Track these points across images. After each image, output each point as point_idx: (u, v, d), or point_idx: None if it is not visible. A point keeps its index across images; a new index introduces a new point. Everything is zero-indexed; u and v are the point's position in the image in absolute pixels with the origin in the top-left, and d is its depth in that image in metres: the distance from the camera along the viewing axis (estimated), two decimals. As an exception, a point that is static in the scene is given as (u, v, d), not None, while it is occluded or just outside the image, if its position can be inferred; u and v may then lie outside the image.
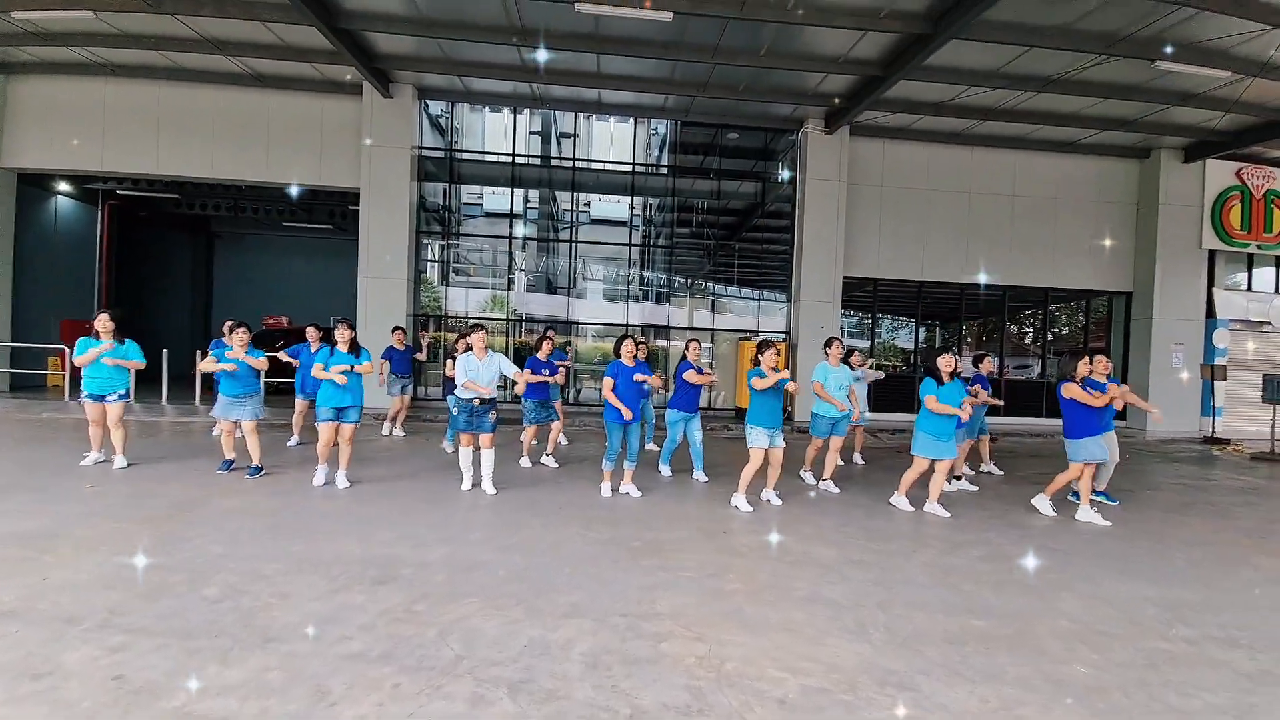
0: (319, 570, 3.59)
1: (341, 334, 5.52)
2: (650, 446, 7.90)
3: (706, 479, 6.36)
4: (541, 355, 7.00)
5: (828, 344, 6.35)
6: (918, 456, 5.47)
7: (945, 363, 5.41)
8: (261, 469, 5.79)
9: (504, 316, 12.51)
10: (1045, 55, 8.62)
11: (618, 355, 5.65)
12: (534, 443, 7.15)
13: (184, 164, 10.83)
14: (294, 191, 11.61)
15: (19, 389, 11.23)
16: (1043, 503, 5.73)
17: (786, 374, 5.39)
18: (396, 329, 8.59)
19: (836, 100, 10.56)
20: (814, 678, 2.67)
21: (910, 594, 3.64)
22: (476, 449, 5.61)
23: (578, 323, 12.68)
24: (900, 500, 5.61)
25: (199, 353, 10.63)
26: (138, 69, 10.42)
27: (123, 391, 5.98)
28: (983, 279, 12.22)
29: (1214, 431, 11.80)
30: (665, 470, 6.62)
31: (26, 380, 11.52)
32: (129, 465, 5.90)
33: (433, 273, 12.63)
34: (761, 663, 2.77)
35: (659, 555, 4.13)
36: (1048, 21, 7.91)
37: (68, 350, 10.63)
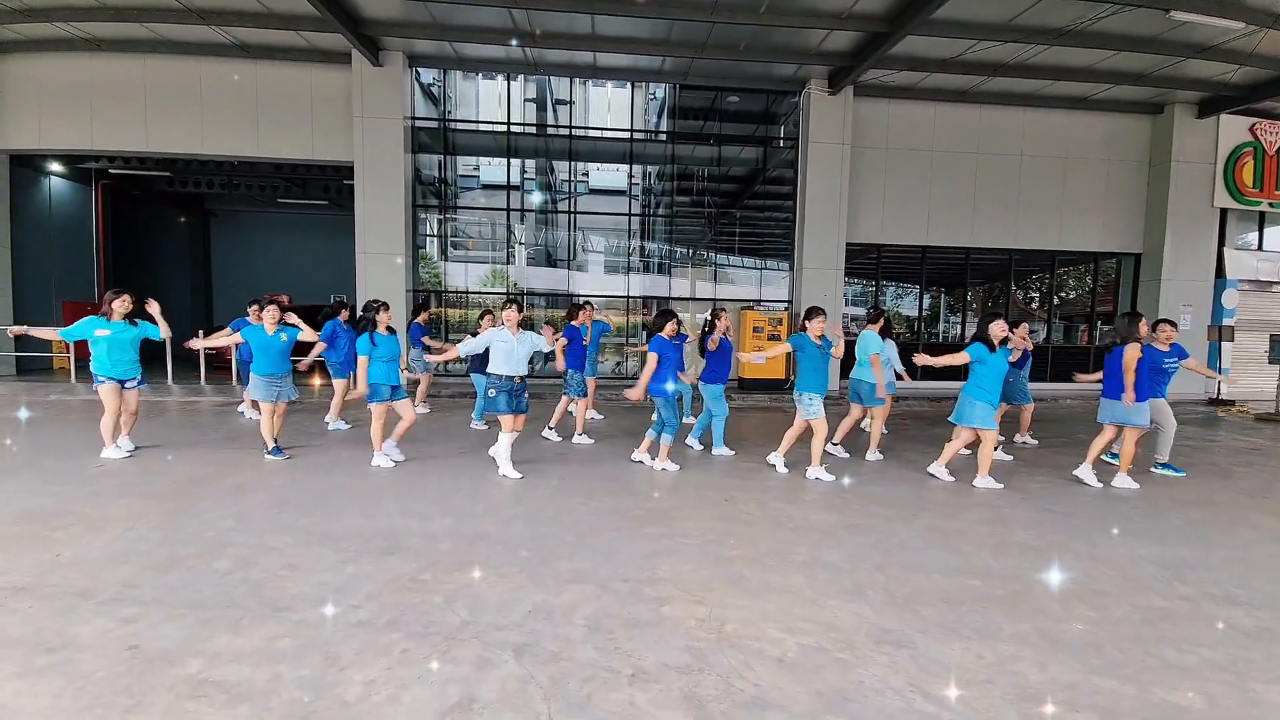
0: (327, 543, 3.65)
1: (382, 318, 5.45)
2: (688, 420, 7.68)
3: (700, 448, 6.45)
4: (578, 323, 6.91)
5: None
6: (972, 427, 5.25)
7: (999, 329, 5.18)
8: (284, 450, 5.70)
9: (505, 291, 12.44)
10: (1057, 5, 8.29)
11: (660, 331, 5.63)
12: (568, 413, 7.11)
13: (173, 140, 10.66)
14: (287, 166, 11.43)
15: (25, 372, 11.31)
16: (1123, 479, 5.42)
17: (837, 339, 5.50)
18: (422, 307, 8.71)
19: (841, 58, 10.23)
20: (812, 637, 2.72)
21: (909, 557, 3.68)
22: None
23: (579, 295, 12.59)
24: (940, 470, 5.49)
25: (199, 332, 10.65)
26: (121, 42, 10.16)
27: (140, 377, 5.83)
28: (989, 243, 12.04)
29: (1219, 393, 11.75)
30: (693, 441, 6.58)
31: (32, 364, 11.59)
32: (135, 449, 5.77)
33: (431, 247, 12.52)
34: (761, 624, 2.82)
35: (662, 523, 4.18)
36: (1060, -31, 7.58)
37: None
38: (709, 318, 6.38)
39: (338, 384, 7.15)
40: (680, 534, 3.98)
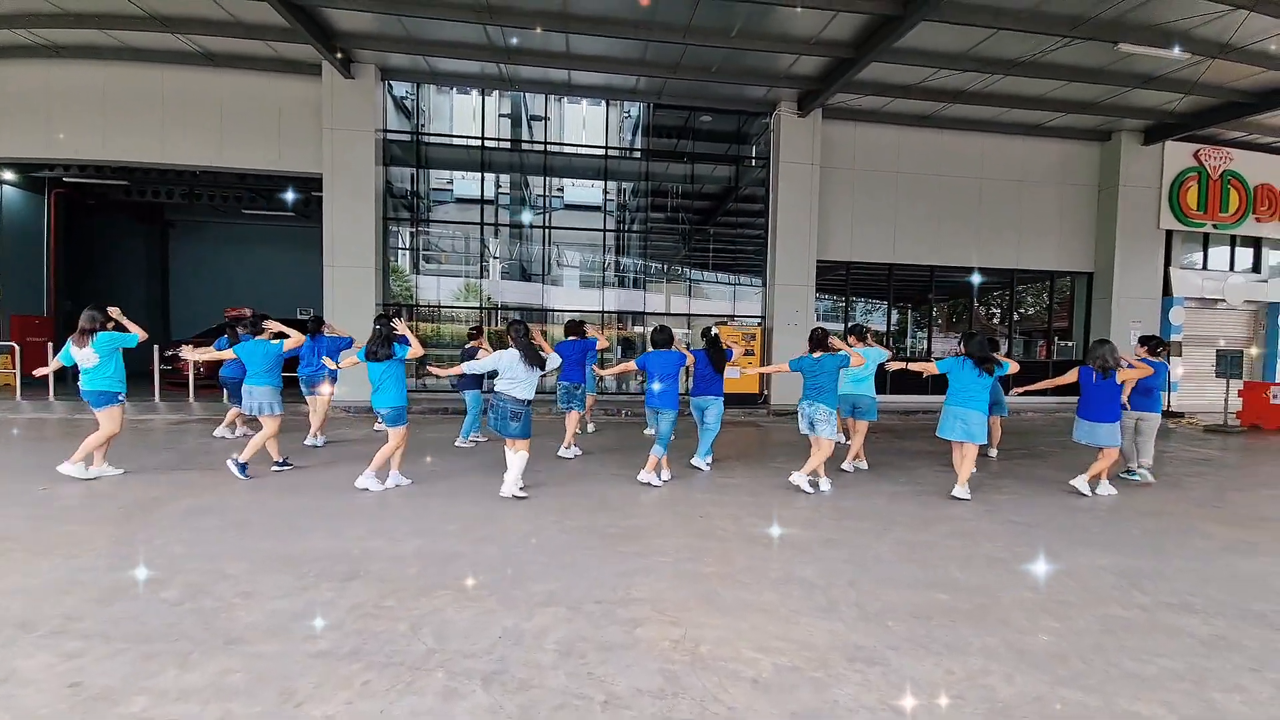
0: (287, 567, 3.51)
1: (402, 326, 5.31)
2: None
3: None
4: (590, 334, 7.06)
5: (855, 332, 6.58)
6: (974, 443, 5.39)
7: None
8: (247, 467, 5.48)
9: (478, 305, 12.32)
10: (1012, 38, 8.72)
11: (655, 346, 5.77)
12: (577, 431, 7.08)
13: (133, 149, 10.33)
14: (252, 176, 11.17)
15: (-36, 388, 10.70)
16: (1103, 485, 5.68)
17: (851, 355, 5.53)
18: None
19: (809, 81, 10.53)
20: (786, 656, 2.71)
21: (880, 571, 3.72)
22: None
23: (553, 310, 12.54)
24: (964, 490, 5.39)
25: (156, 347, 10.23)
26: (82, 49, 9.85)
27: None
28: (952, 261, 12.44)
29: (1169, 406, 12.29)
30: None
31: (-28, 379, 10.98)
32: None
33: (403, 261, 12.34)
34: (736, 644, 2.80)
35: (637, 541, 4.14)
36: (1015, 4, 7.98)
37: (18, 348, 10.15)
38: (709, 332, 6.55)
39: (312, 400, 6.95)
40: (655, 552, 3.94)
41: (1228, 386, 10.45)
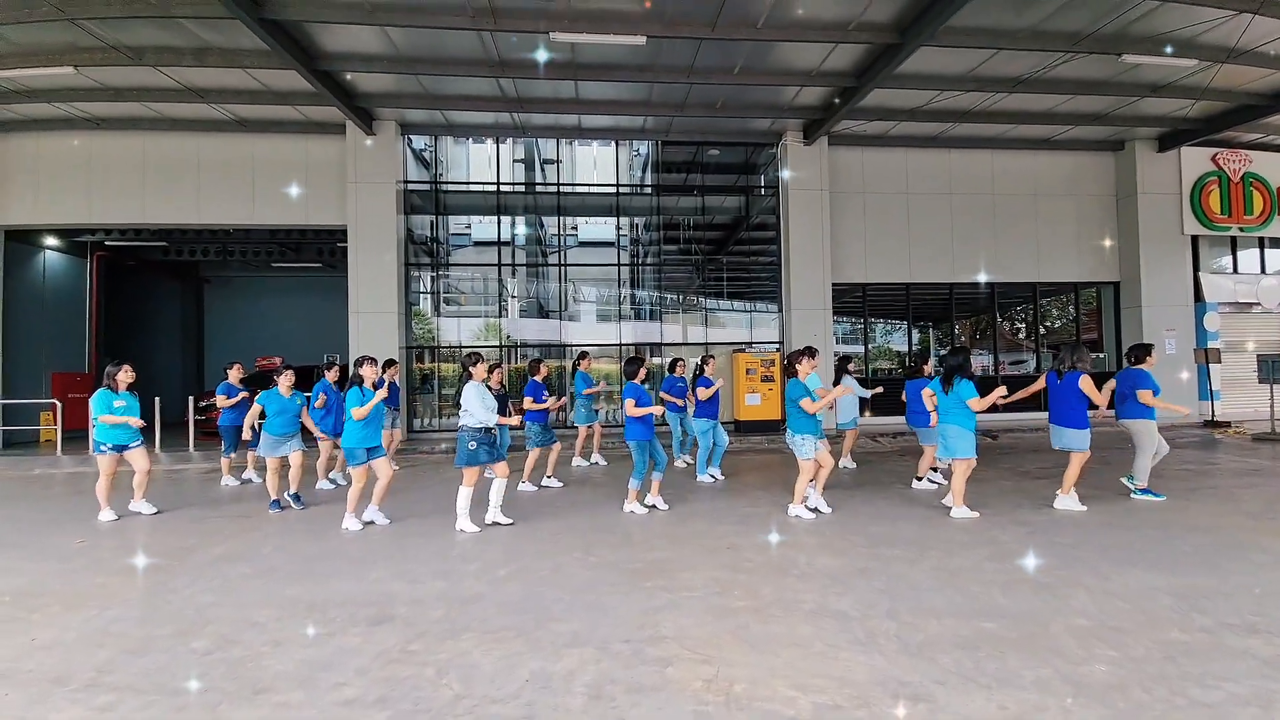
0: (314, 614, 3.50)
1: (367, 372, 5.43)
2: (686, 459, 8.22)
3: (722, 478, 7.03)
4: (539, 378, 7.10)
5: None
6: (964, 460, 5.35)
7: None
8: (280, 504, 5.98)
9: (498, 343, 12.50)
10: (1013, 56, 8.79)
11: (632, 378, 5.77)
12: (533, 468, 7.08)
13: (171, 212, 10.89)
14: (281, 231, 11.64)
15: (10, 445, 11.10)
16: (1066, 501, 5.57)
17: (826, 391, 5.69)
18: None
19: (814, 110, 10.72)
20: (826, 694, 2.59)
21: (918, 600, 3.57)
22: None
23: (571, 345, 12.65)
24: (962, 511, 5.35)
25: (191, 399, 10.56)
26: (122, 121, 10.53)
27: (141, 439, 6.05)
28: (970, 278, 12.31)
29: (1214, 415, 11.78)
30: (704, 477, 7.08)
31: (18, 437, 11.39)
32: (157, 511, 5.98)
33: (425, 304, 12.65)
34: (771, 682, 2.69)
35: (662, 575, 4.05)
36: (1013, 24, 8.08)
37: (59, 405, 10.56)
38: (699, 362, 6.95)
39: (323, 445, 7.10)
40: (682, 586, 3.85)
41: (1272, 392, 10.01)
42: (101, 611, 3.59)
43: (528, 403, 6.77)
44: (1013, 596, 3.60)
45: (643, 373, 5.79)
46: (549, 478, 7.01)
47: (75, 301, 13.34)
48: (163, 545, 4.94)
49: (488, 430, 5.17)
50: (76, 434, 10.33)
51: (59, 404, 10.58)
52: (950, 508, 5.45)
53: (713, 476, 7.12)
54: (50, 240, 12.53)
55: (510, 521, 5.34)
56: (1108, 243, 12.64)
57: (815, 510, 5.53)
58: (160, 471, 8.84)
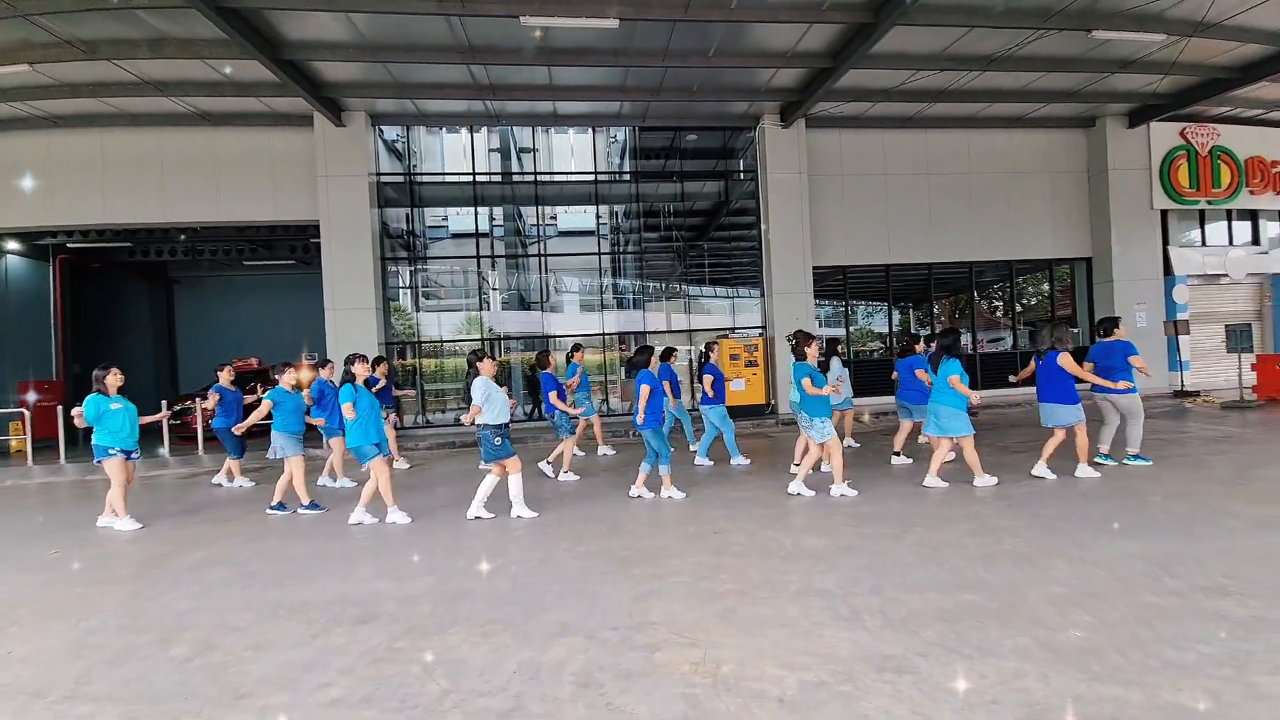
0: (296, 615, 3.45)
1: (359, 369, 5.40)
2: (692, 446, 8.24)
3: (710, 463, 7.19)
4: (550, 370, 7.23)
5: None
6: (953, 437, 5.56)
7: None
8: (286, 507, 5.87)
9: (480, 337, 12.37)
10: (985, 34, 8.83)
11: (646, 366, 5.84)
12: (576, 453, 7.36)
13: (133, 210, 10.55)
14: (251, 228, 11.36)
15: (-23, 458, 10.76)
16: (1085, 469, 5.77)
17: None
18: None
19: (790, 92, 10.67)
20: (812, 672, 2.62)
21: (902, 575, 3.62)
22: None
23: (554, 336, 12.57)
24: (984, 480, 5.57)
25: (164, 403, 10.32)
26: (79, 118, 10.14)
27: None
28: (948, 257, 12.43)
29: (1183, 385, 12.10)
30: (703, 459, 7.26)
31: (-16, 448, 11.06)
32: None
33: (404, 299, 12.46)
34: (758, 662, 2.71)
35: (650, 563, 4.06)
36: (986, 1, 8.10)
37: (27, 414, 10.23)
38: (704, 349, 7.25)
39: (332, 443, 6.98)
40: (670, 573, 3.86)
41: (1240, 361, 10.30)
42: (79, 622, 3.51)
43: (552, 398, 6.91)
44: (994, 569, 3.67)
45: (656, 360, 5.93)
46: (566, 471, 6.91)
47: (40, 307, 12.92)
48: (140, 554, 4.83)
49: (504, 425, 5.27)
50: (48, 443, 10.03)
51: (27, 413, 10.26)
52: (930, 488, 5.59)
53: (712, 460, 7.27)
54: (11, 245, 12.10)
55: (535, 514, 5.30)
56: (1080, 219, 12.83)
57: (798, 494, 5.58)
58: (137, 477, 8.64)
